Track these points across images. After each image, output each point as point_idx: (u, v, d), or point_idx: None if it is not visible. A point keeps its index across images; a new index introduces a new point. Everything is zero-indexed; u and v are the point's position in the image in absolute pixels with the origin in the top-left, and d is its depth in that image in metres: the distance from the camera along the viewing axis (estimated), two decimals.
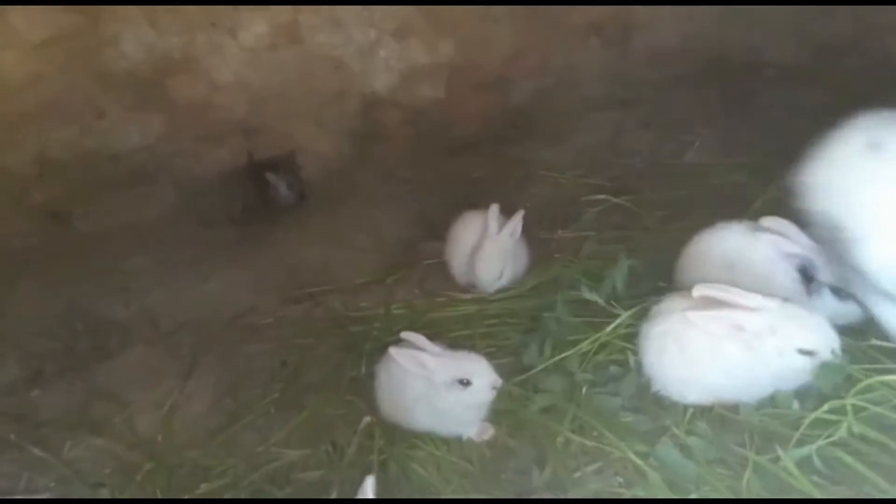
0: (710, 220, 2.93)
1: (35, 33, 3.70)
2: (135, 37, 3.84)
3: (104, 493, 2.43)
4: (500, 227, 3.00)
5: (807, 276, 2.26)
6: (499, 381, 2.21)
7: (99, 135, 3.92)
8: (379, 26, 4.22)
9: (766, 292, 2.04)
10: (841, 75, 4.35)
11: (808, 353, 1.98)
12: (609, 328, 2.48)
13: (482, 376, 2.20)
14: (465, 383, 2.19)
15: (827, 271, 2.24)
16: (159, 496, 2.38)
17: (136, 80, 3.89)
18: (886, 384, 1.98)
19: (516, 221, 3.01)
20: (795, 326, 1.99)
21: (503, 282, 3.00)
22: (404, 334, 2.33)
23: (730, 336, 2.02)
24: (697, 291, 2.04)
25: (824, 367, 2.00)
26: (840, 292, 2.21)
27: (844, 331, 2.11)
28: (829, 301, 2.25)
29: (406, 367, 2.22)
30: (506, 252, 2.99)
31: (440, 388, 2.21)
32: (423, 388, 2.24)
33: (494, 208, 3.02)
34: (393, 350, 2.24)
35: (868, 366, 2.08)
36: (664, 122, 4.25)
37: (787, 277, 2.29)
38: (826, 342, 1.99)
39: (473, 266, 2.99)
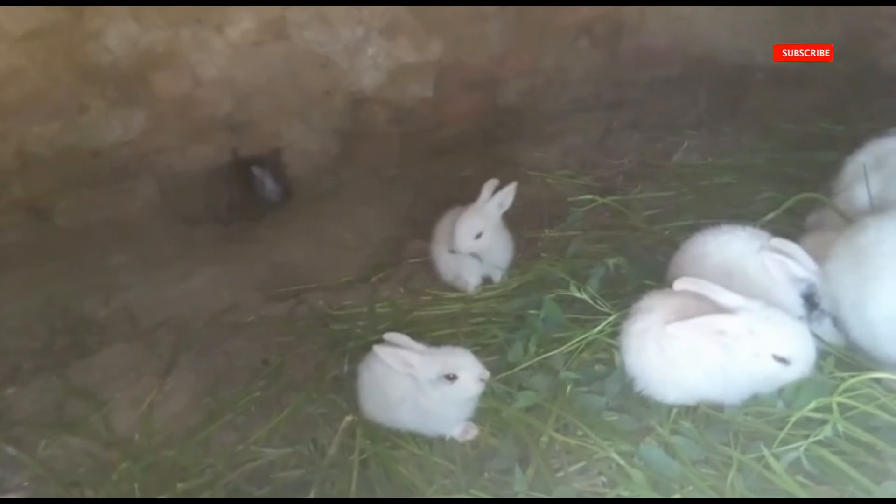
0: (698, 221, 2.96)
1: (17, 26, 3.63)
2: (118, 31, 3.77)
3: (78, 493, 2.38)
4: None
5: (811, 302, 2.23)
6: (486, 373, 2.18)
7: (81, 129, 3.85)
8: (367, 23, 4.17)
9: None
10: (829, 79, 4.36)
11: (781, 360, 1.94)
12: (598, 328, 2.46)
13: (468, 369, 2.16)
14: (451, 378, 2.15)
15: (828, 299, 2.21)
16: (136, 496, 2.33)
17: (120, 75, 3.82)
18: (872, 382, 1.96)
19: (505, 191, 2.95)
20: (773, 331, 1.95)
21: (481, 244, 2.92)
22: (387, 336, 2.30)
23: (710, 340, 2.00)
24: (679, 285, 2.01)
25: (808, 384, 1.97)
26: (838, 322, 2.18)
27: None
28: (827, 327, 2.22)
29: (391, 365, 2.19)
30: (487, 217, 2.94)
31: (426, 386, 2.18)
32: (409, 388, 2.21)
33: (491, 183, 2.98)
34: (377, 348, 2.21)
35: (852, 356, 2.07)
36: (653, 123, 4.25)
37: (786, 294, 2.25)
38: (802, 353, 1.95)
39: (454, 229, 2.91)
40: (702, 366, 2.03)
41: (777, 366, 1.94)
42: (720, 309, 1.98)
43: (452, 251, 2.93)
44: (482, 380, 2.17)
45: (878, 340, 2.02)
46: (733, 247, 2.36)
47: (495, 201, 2.96)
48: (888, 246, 1.99)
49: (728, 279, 2.21)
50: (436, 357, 2.19)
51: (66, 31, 3.70)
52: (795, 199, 2.71)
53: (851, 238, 2.10)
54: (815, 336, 2.04)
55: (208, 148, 4.12)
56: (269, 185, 4.38)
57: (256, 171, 4.39)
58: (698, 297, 2.05)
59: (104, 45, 3.78)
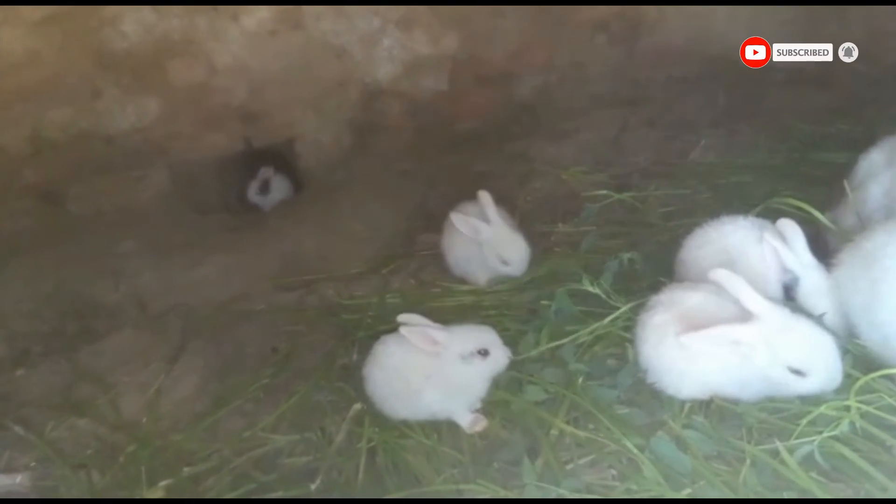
0: (714, 218, 2.92)
1: (34, 10, 3.64)
2: (134, 17, 3.77)
3: (85, 475, 2.37)
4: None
5: (788, 295, 2.23)
6: (508, 351, 2.26)
7: (95, 115, 3.86)
8: (383, 15, 4.16)
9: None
10: (849, 79, 4.30)
11: (797, 372, 1.91)
12: (607, 319, 2.43)
13: (498, 345, 2.25)
14: (483, 353, 2.21)
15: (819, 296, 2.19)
16: (143, 479, 2.32)
17: (135, 62, 3.83)
18: (887, 380, 1.92)
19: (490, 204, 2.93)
20: (789, 343, 1.91)
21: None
22: (401, 317, 2.28)
23: (726, 348, 1.98)
24: (713, 276, 2.00)
25: None
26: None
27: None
28: None
29: (417, 344, 2.20)
30: (515, 228, 2.95)
31: (454, 362, 2.20)
32: (432, 366, 2.22)
33: (485, 196, 2.93)
34: (404, 329, 2.20)
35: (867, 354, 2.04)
36: (669, 121, 4.20)
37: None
38: (820, 367, 1.91)
39: (499, 253, 2.88)
40: (719, 361, 2.00)
41: (792, 377, 1.92)
42: (743, 310, 1.94)
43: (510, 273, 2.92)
44: (509, 357, 2.25)
45: (889, 341, 2.01)
46: (734, 235, 2.37)
47: (495, 215, 2.93)
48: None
49: (731, 267, 2.18)
50: (461, 333, 2.23)
51: (83, 16, 3.71)
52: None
53: (859, 243, 2.12)
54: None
55: (221, 137, 4.12)
56: (252, 193, 4.35)
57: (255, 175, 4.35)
58: (721, 294, 2.02)
59: (120, 31, 3.79)
